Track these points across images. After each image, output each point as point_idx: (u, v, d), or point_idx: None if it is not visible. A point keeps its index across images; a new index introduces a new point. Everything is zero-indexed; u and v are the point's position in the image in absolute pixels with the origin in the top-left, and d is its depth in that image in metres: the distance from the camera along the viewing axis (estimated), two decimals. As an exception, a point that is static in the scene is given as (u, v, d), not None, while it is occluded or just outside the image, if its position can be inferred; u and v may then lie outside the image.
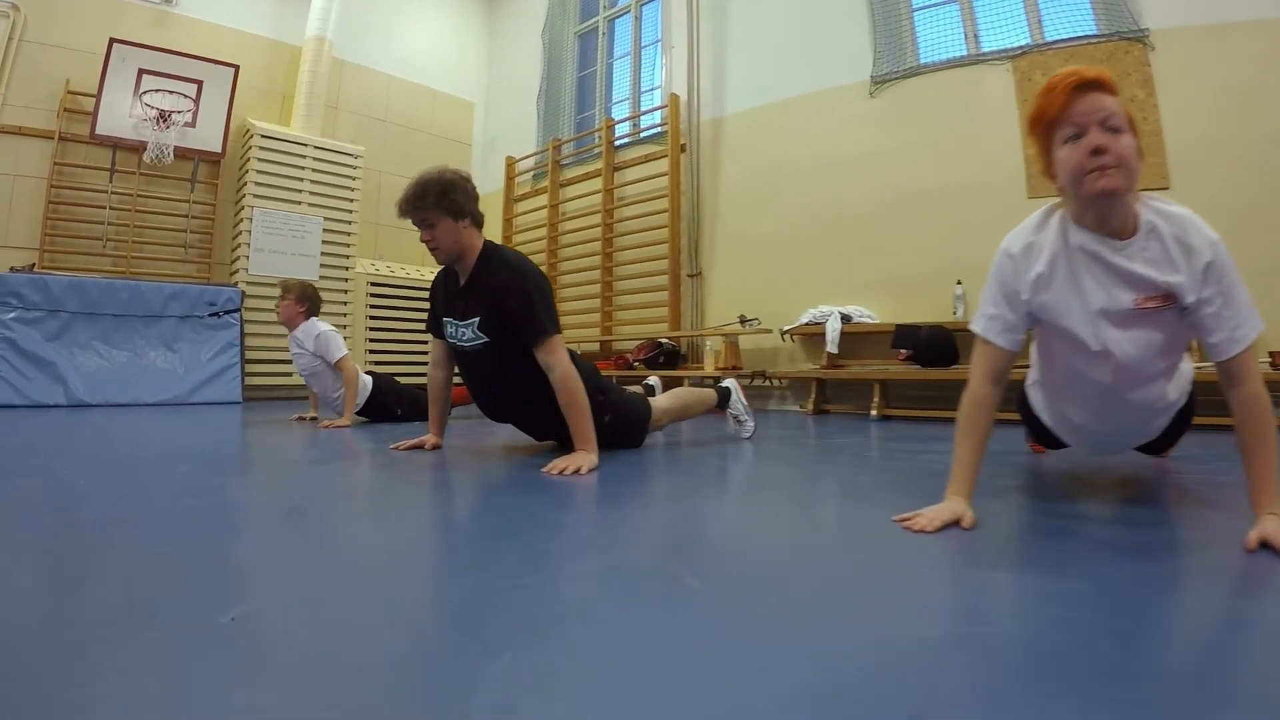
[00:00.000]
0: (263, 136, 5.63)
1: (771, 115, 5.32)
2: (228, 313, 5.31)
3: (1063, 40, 4.54)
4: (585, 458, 1.90)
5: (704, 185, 5.59)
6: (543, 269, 6.10)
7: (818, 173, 5.05)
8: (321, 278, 5.74)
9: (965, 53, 4.76)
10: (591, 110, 6.64)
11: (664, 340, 5.36)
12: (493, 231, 6.74)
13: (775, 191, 5.25)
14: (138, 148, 5.33)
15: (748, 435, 2.88)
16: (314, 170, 5.85)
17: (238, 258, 5.59)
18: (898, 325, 4.43)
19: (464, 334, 2.26)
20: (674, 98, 5.59)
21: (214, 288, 5.33)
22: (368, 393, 3.85)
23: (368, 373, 4.02)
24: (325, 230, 5.86)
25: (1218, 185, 3.88)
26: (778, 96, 5.31)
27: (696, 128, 5.61)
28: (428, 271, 6.55)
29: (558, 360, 2.08)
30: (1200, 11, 4.14)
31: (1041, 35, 4.60)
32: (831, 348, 4.55)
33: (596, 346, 5.94)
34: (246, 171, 5.61)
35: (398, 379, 4.36)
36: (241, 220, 5.58)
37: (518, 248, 6.59)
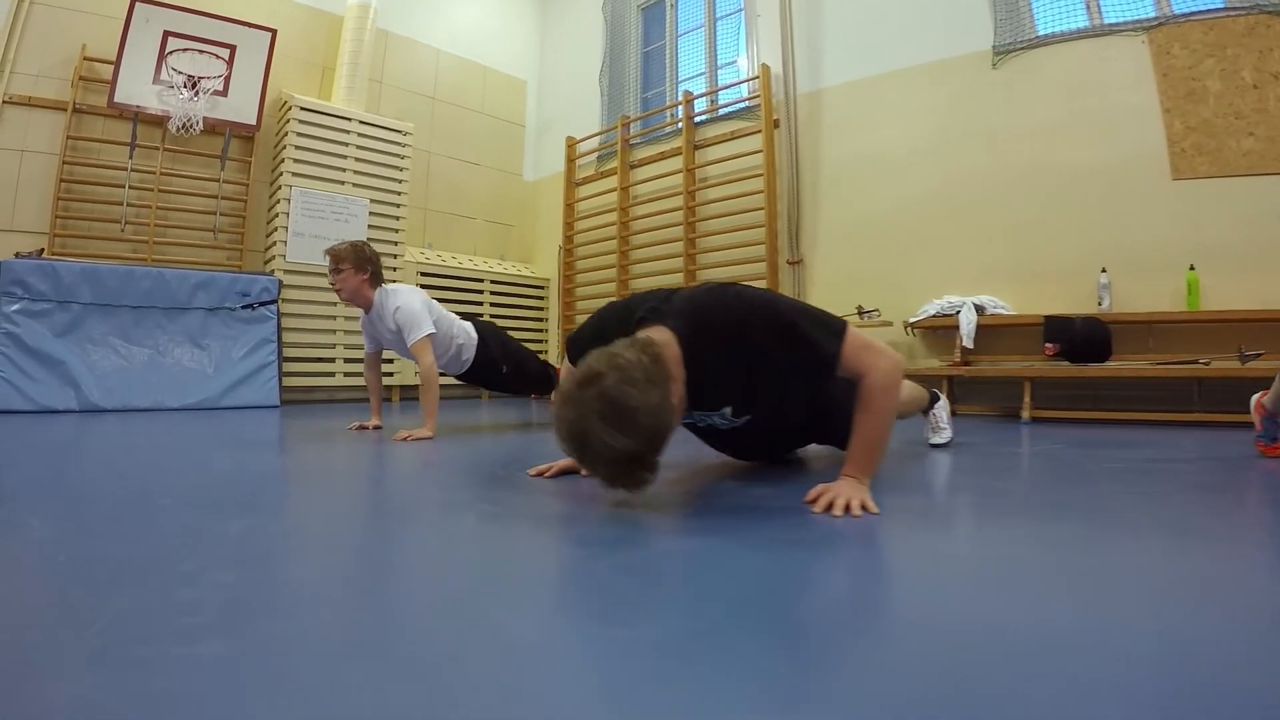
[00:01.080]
0: (303, 109, 4.91)
1: (878, 88, 4.67)
2: (263, 304, 4.55)
3: (1200, 11, 4.00)
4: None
5: (803, 163, 4.90)
6: (613, 256, 5.42)
7: (934, 150, 4.42)
8: None
9: (1088, 24, 4.19)
10: (660, 87, 5.94)
11: None
12: (553, 218, 6.11)
13: (885, 171, 4.59)
14: (161, 119, 4.60)
15: (942, 442, 2.47)
16: (359, 148, 5.14)
17: (273, 243, 4.85)
18: (1046, 317, 3.81)
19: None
20: (765, 69, 4.92)
21: (247, 276, 4.57)
22: (472, 347, 3.15)
23: (465, 316, 3.29)
24: (371, 214, 5.11)
25: None
26: (885, 68, 4.66)
27: (793, 101, 4.94)
28: (480, 260, 5.84)
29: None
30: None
31: (1169, 6, 4.07)
32: (967, 342, 3.95)
33: None
34: (284, 148, 4.88)
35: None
36: (278, 201, 4.85)
37: (582, 234, 5.91)
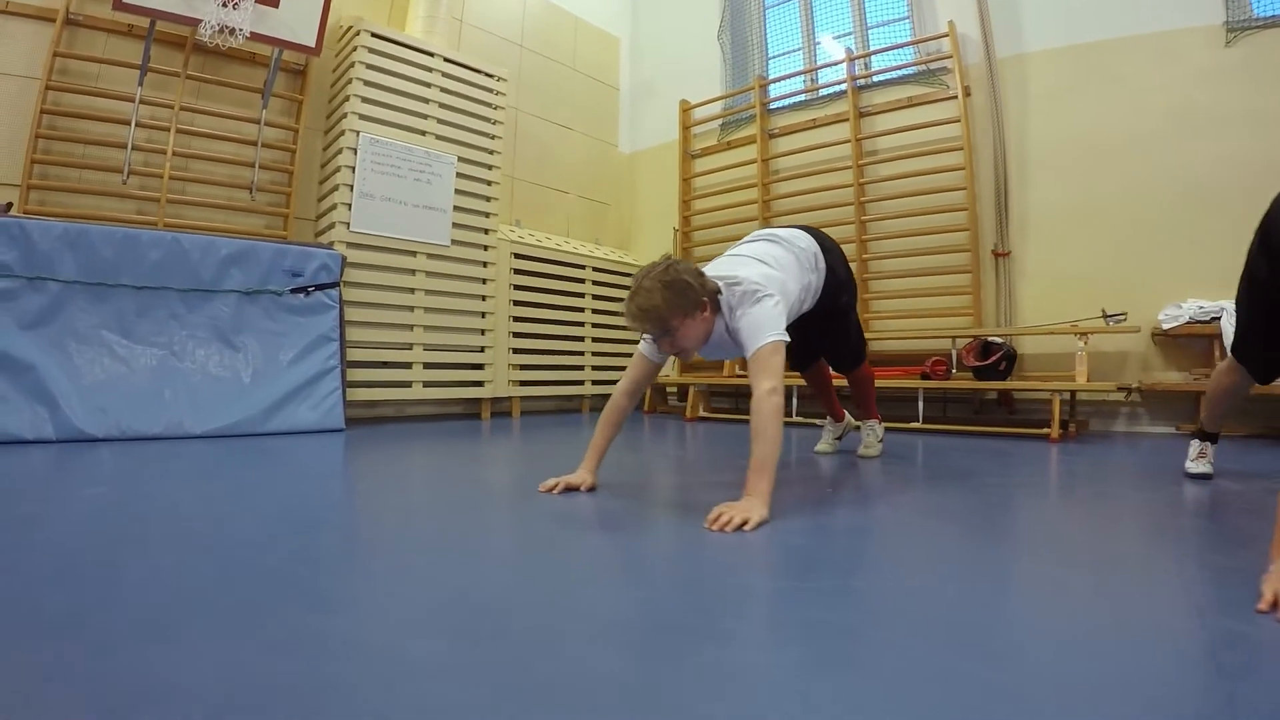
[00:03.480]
0: (374, 36, 3.57)
1: (1093, 57, 3.66)
2: (321, 288, 3.17)
3: None
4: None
5: (1008, 140, 3.81)
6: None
7: (1165, 134, 3.48)
8: (455, 242, 3.65)
9: None
10: (793, 48, 4.70)
11: (996, 338, 3.47)
12: (657, 196, 5.11)
13: (1107, 154, 3.60)
14: (184, 38, 3.19)
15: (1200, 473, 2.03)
16: (444, 91, 3.84)
17: (332, 206, 3.49)
18: None
19: None
20: (952, 26, 3.87)
21: (299, 248, 3.18)
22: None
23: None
24: (459, 175, 3.77)
25: None
26: (1102, 35, 3.64)
27: (993, 67, 3.85)
28: (575, 243, 4.58)
29: None
30: None
31: None
32: None
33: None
34: (348, 82, 3.54)
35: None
36: (339, 151, 3.50)
37: (704, 214, 4.89)
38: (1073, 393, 3.29)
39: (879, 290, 4.10)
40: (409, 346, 3.65)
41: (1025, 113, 3.80)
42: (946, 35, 3.90)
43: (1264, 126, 3.29)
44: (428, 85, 3.75)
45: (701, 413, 4.17)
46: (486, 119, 4.03)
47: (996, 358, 3.34)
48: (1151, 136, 3.50)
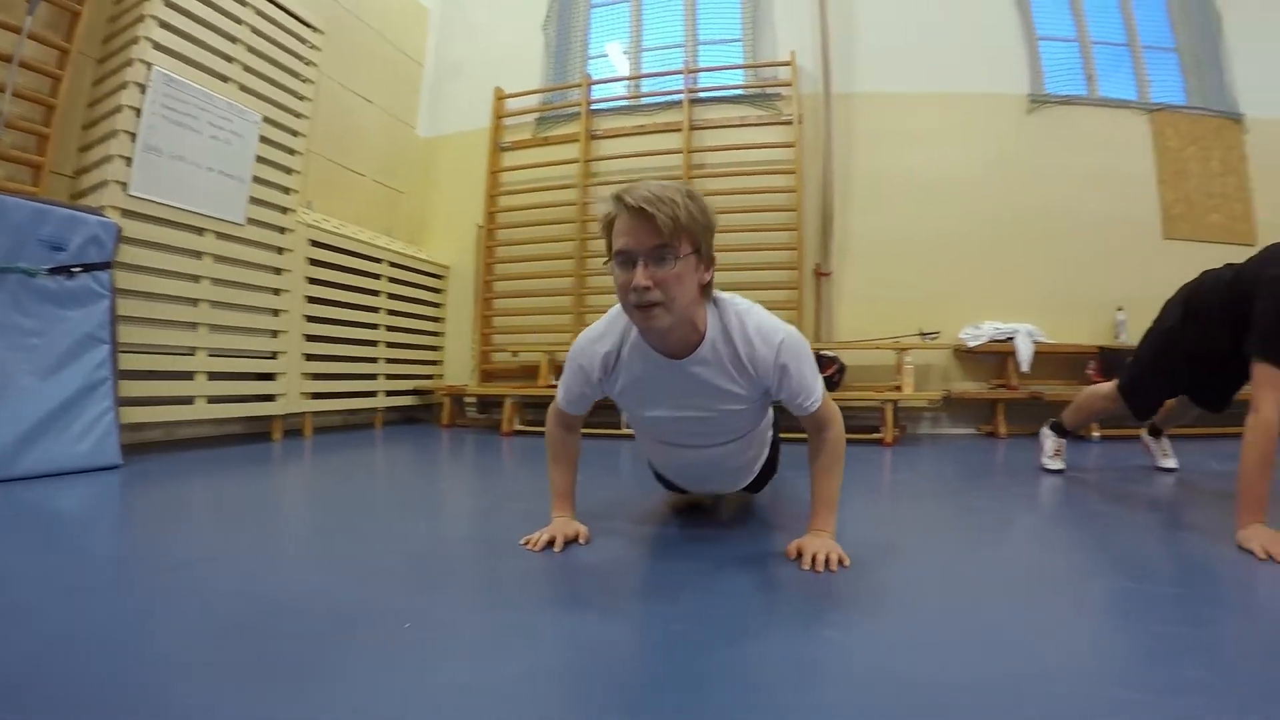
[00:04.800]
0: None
1: (919, 105, 5.06)
2: (89, 269, 2.85)
3: (1184, 106, 5.47)
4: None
5: (835, 169, 4.94)
6: (568, 245, 5.15)
7: (972, 180, 5.02)
8: (250, 221, 3.55)
9: (1088, 93, 5.40)
10: (624, 50, 5.46)
11: (828, 352, 4.49)
12: (459, 188, 5.45)
13: (923, 192, 5.00)
14: None
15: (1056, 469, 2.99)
16: (255, 33, 3.63)
17: (104, 159, 3.06)
18: (1101, 347, 4.77)
19: None
20: (793, 56, 4.96)
21: (63, 212, 2.80)
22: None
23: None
24: (262, 139, 3.61)
25: None
26: (927, 87, 5.09)
27: (829, 101, 4.97)
28: (369, 233, 4.64)
29: None
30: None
31: (1148, 95, 5.47)
32: (1025, 367, 4.64)
33: None
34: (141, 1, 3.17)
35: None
36: (122, 87, 3.08)
37: (512, 211, 5.32)
38: (895, 401, 4.30)
39: None
40: (191, 351, 3.34)
41: (852, 146, 4.95)
42: (788, 64, 4.89)
43: (1053, 183, 4.99)
44: (238, 21, 3.51)
45: (517, 426, 4.48)
46: (298, 76, 3.90)
47: (833, 370, 4.32)
48: (961, 181, 4.92)
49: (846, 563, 1.51)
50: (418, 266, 5.04)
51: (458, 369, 5.43)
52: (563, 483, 1.76)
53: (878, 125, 5.00)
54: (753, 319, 1.50)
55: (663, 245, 1.32)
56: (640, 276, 1.32)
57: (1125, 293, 4.95)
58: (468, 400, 5.20)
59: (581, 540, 1.66)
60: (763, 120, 4.94)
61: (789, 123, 4.87)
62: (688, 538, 1.78)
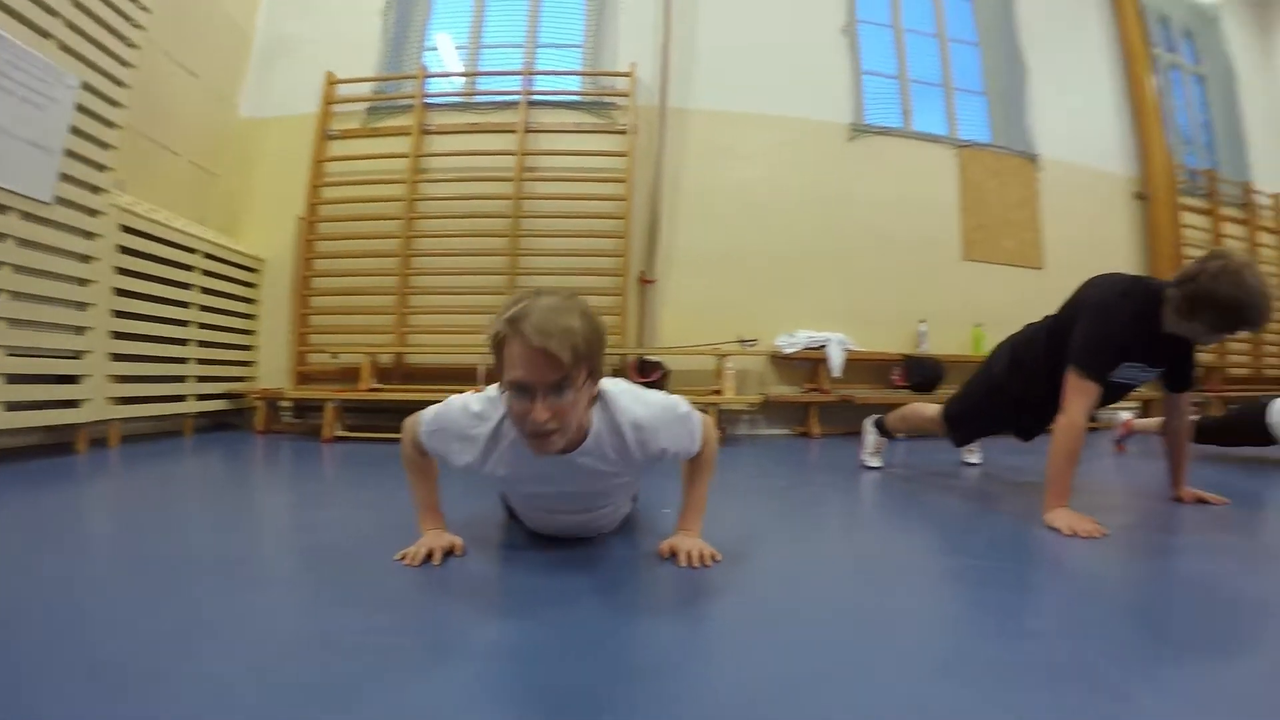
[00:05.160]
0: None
1: (749, 126, 5.71)
2: None
3: (989, 144, 6.47)
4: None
5: (665, 180, 5.45)
6: (393, 242, 5.36)
7: (792, 200, 5.70)
8: (58, 200, 3.54)
9: (901, 125, 6.24)
10: (461, 45, 5.77)
11: (653, 357, 5.00)
12: (295, 173, 5.46)
13: (746, 207, 5.64)
14: None
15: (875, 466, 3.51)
16: None
17: None
18: (905, 355, 5.55)
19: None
20: (633, 68, 5.43)
21: None
22: None
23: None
24: (79, 108, 3.60)
25: (1077, 265, 6.07)
26: (758, 109, 5.75)
27: (664, 114, 5.47)
28: (183, 220, 4.66)
29: None
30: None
31: (957, 132, 6.43)
32: (836, 373, 5.33)
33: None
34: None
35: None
36: None
37: (337, 204, 5.42)
38: (716, 405, 4.75)
39: None
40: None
41: (683, 160, 5.44)
42: (627, 75, 5.29)
43: (867, 205, 5.74)
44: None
45: (338, 432, 4.50)
46: (124, 39, 3.84)
47: (659, 375, 4.76)
48: (783, 200, 5.56)
49: (719, 557, 1.73)
50: (232, 259, 5.00)
51: (272, 371, 5.36)
52: (427, 495, 1.82)
53: (709, 141, 5.52)
54: (636, 411, 1.61)
55: (562, 379, 1.36)
56: (539, 411, 1.37)
57: (927, 307, 5.77)
58: (283, 404, 5.20)
59: (458, 552, 1.74)
60: (598, 128, 5.32)
61: (623, 132, 5.27)
62: (561, 542, 1.91)
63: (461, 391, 1.79)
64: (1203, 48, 8.85)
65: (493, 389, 1.61)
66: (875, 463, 3.50)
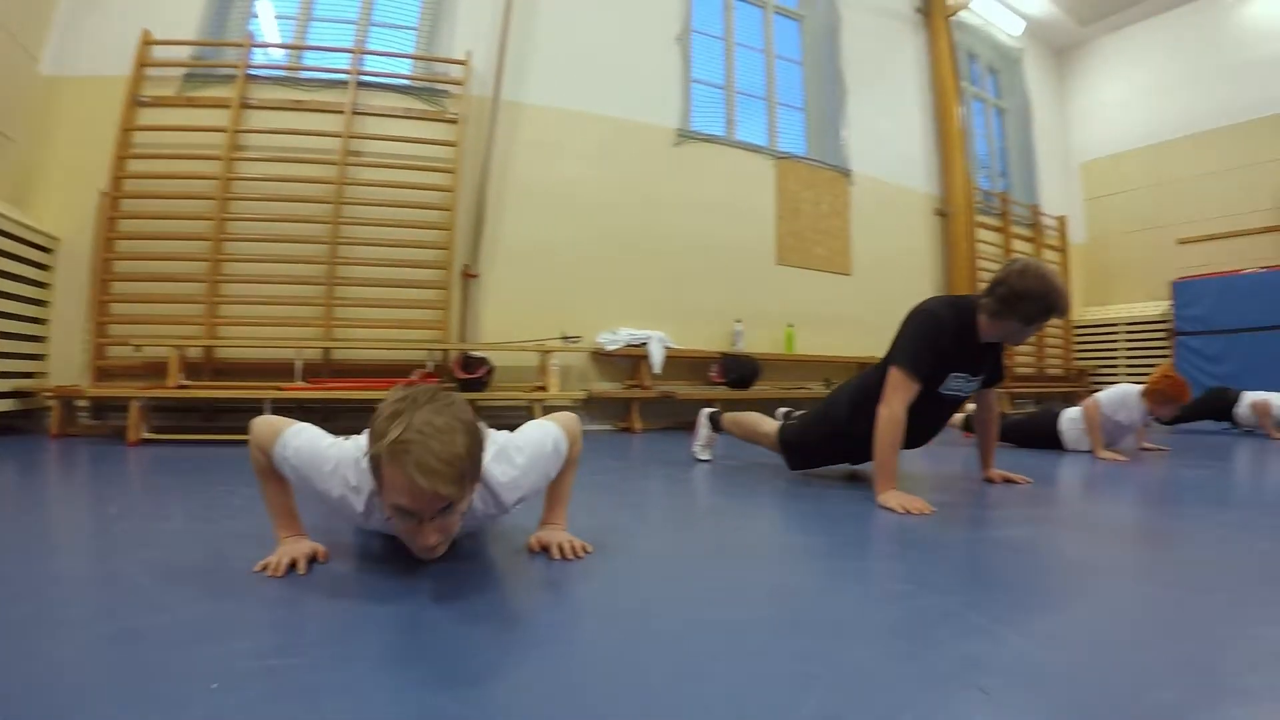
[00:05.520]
0: None
1: (578, 124, 5.94)
2: None
3: (804, 157, 7.07)
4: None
5: (493, 173, 5.57)
6: (206, 224, 5.17)
7: (620, 199, 6.01)
8: None
9: (724, 134, 6.72)
10: (289, 15, 5.62)
11: (477, 353, 5.03)
12: (99, 142, 5.05)
13: (572, 204, 5.86)
14: None
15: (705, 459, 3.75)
16: None
17: None
18: (723, 353, 5.96)
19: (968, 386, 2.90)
20: (469, 56, 5.51)
21: None
22: None
23: None
24: None
25: (882, 273, 7.22)
26: (590, 108, 6.00)
27: (497, 106, 5.60)
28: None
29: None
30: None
31: (777, 143, 7.01)
32: (657, 369, 5.66)
33: (319, 355, 5.01)
34: None
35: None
36: None
37: (144, 179, 5.02)
38: (541, 401, 4.92)
39: (348, 298, 5.06)
40: None
41: (513, 153, 5.58)
42: (462, 63, 5.35)
43: (689, 209, 6.14)
44: None
45: (145, 434, 4.15)
46: None
47: (484, 371, 4.77)
48: (609, 199, 5.83)
49: (590, 549, 1.81)
50: (21, 235, 4.51)
51: (67, 366, 4.81)
52: (282, 501, 1.72)
53: (539, 136, 5.71)
54: (509, 474, 1.62)
55: (450, 505, 1.36)
56: (428, 535, 1.38)
57: (743, 307, 6.23)
58: (80, 404, 4.70)
59: (321, 558, 1.66)
60: (427, 115, 5.35)
61: (454, 121, 5.34)
62: None
63: (280, 389, 1.78)
64: (1005, 84, 9.87)
65: (362, 458, 1.50)
66: (705, 456, 3.73)
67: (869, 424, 2.70)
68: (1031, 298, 2.59)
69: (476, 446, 1.38)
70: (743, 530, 2.35)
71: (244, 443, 1.71)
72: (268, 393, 4.28)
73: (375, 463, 1.35)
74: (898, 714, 0.97)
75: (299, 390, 4.51)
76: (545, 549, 1.79)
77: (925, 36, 8.43)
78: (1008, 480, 3.06)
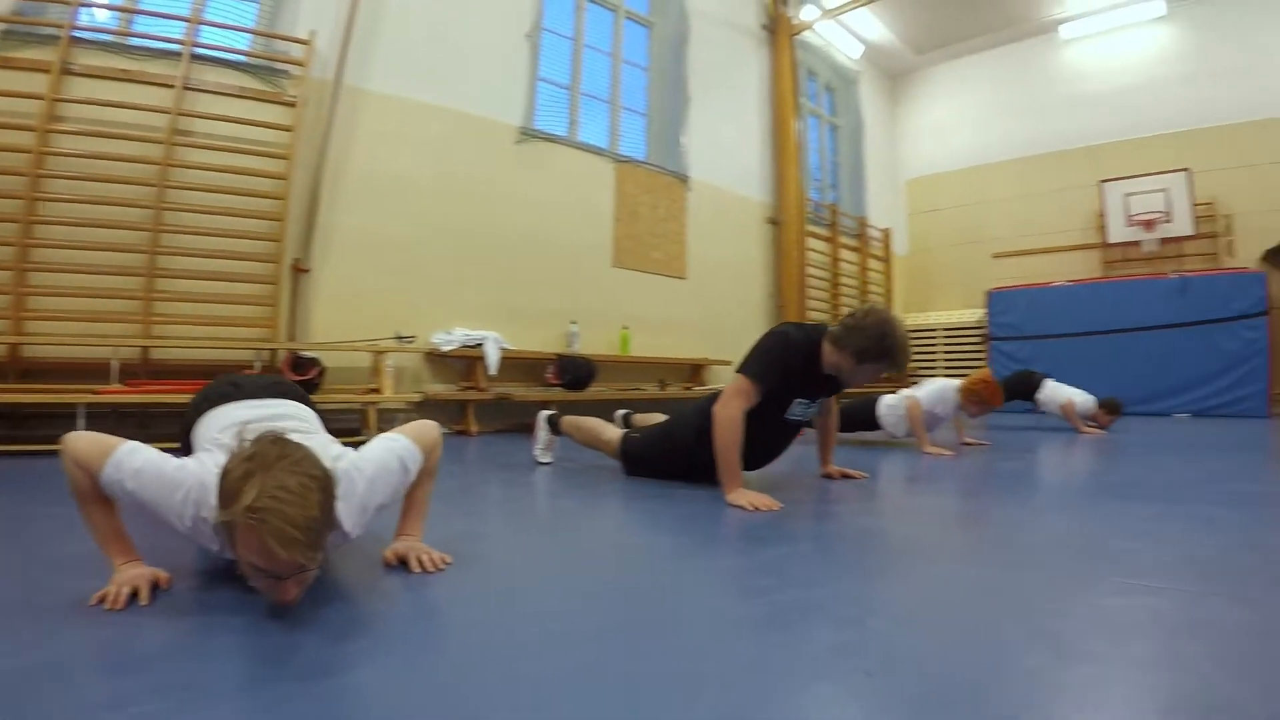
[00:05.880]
0: None
1: (423, 115, 5.95)
2: None
3: (643, 161, 7.43)
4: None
5: (330, 161, 5.49)
6: (14, 203, 4.75)
7: (458, 195, 6.06)
8: None
9: (566, 134, 6.97)
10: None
11: (307, 353, 5.00)
12: None
13: (410, 198, 5.86)
14: None
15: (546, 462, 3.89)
16: None
17: None
18: (559, 354, 6.19)
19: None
20: (312, 36, 5.38)
21: None
22: None
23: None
24: None
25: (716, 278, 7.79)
26: (434, 99, 6.00)
27: (338, 91, 5.52)
28: None
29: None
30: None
31: (618, 147, 7.38)
32: (493, 371, 5.78)
33: (137, 354, 4.74)
34: None
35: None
36: None
37: None
38: (375, 403, 4.97)
39: (170, 291, 4.79)
40: None
41: (352, 142, 5.51)
42: (305, 43, 5.20)
43: (528, 207, 6.30)
44: None
45: None
46: None
47: (315, 373, 4.72)
48: (448, 194, 5.88)
49: (450, 560, 1.83)
50: None
51: None
52: (110, 525, 1.58)
53: (379, 125, 5.70)
54: (355, 505, 1.59)
55: (307, 564, 1.34)
56: (288, 591, 1.36)
57: (578, 309, 6.49)
58: None
59: (163, 585, 1.57)
60: (264, 96, 5.20)
61: (292, 104, 5.20)
62: None
63: (95, 392, 1.67)
64: (840, 103, 10.64)
65: (210, 477, 1.45)
66: (546, 459, 3.85)
67: (710, 452, 2.86)
68: (868, 333, 2.80)
69: (330, 500, 1.39)
70: (597, 533, 2.50)
71: (56, 453, 1.56)
72: (81, 396, 4.02)
73: (229, 528, 1.32)
74: (795, 700, 1.06)
75: (115, 394, 4.20)
76: (403, 561, 1.80)
77: (769, 53, 9.01)
78: (845, 476, 3.40)
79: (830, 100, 10.52)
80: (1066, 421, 6.39)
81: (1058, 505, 3.05)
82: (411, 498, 1.87)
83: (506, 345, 5.87)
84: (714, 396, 3.03)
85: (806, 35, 9.37)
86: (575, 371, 6.05)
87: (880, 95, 11.44)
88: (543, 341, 6.27)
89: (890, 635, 1.35)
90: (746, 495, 2.67)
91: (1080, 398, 6.38)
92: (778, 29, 9.00)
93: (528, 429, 4.16)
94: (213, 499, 1.40)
